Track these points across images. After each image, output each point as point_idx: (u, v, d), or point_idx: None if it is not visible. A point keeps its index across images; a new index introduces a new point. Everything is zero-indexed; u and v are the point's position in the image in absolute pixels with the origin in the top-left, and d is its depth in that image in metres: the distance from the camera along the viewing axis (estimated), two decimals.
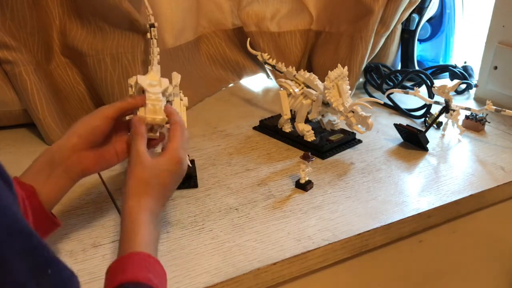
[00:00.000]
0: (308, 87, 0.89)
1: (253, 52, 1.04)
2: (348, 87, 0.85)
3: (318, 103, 0.87)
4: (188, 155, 0.73)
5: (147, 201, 0.52)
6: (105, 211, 0.69)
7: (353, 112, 0.82)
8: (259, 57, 1.02)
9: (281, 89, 0.91)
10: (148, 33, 0.83)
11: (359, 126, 0.83)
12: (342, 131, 0.92)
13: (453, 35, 1.27)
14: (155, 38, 0.82)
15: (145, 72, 0.93)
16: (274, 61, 1.00)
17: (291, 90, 0.89)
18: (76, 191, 0.72)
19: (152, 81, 0.61)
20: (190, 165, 0.76)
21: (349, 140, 0.92)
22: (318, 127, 0.93)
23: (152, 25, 0.83)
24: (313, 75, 0.89)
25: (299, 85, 0.91)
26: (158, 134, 0.62)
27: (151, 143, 0.62)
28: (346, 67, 0.84)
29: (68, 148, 0.56)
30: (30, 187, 0.53)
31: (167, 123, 0.60)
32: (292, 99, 0.90)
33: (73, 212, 0.68)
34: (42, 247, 0.35)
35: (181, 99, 0.71)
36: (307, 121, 0.90)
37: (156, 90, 0.60)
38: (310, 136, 0.89)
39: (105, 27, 0.89)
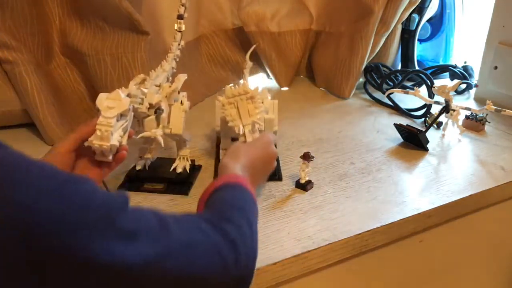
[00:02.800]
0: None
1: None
2: (262, 109, 0.72)
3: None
4: (194, 160, 0.71)
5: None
6: None
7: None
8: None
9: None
10: (176, 24, 0.77)
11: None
12: None
13: (453, 35, 1.26)
14: (179, 31, 0.76)
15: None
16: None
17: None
18: None
19: (111, 103, 0.57)
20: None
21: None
22: None
23: (180, 16, 0.76)
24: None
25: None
26: (110, 158, 0.59)
27: (105, 166, 0.60)
28: (258, 88, 0.75)
29: None
30: None
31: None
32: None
33: None
34: None
35: (182, 103, 0.71)
36: None
37: (109, 114, 0.57)
38: None
39: (105, 27, 0.90)
